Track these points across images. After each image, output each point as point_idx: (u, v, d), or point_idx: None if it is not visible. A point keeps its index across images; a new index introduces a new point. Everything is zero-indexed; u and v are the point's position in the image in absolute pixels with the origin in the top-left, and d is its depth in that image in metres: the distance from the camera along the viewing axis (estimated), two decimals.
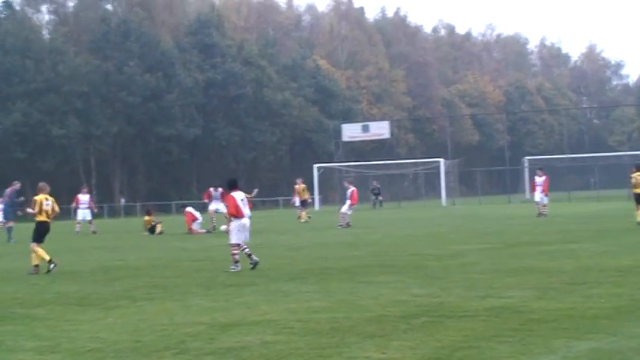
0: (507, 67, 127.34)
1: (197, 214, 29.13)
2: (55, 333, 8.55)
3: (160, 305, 10.35)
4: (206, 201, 30.80)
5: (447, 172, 63.11)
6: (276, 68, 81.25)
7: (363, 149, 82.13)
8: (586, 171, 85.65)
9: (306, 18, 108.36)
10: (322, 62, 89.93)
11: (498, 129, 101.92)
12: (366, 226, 29.32)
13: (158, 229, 29.19)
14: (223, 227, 24.66)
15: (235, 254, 14.54)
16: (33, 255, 15.31)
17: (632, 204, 23.36)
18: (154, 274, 14.47)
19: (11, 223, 28.08)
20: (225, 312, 9.54)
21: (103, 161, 69.67)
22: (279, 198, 65.98)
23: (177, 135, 69.18)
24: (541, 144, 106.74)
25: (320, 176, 62.25)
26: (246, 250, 14.66)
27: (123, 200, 65.35)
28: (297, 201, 36.49)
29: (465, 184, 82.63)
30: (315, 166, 62.77)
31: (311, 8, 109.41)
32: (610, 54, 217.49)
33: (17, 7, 70.41)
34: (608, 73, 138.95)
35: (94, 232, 31.21)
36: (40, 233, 15.61)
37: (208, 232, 28.23)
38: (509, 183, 71.84)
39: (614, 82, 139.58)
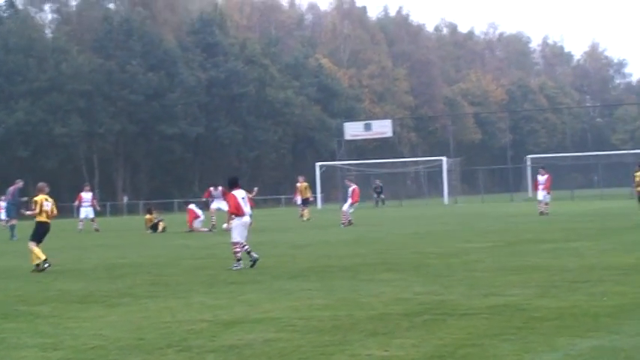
0: (510, 65, 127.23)
1: (199, 211, 29.16)
2: (58, 330, 8.56)
3: (163, 303, 10.35)
4: (204, 199, 30.80)
5: (449, 171, 63.13)
6: (279, 67, 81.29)
7: (365, 148, 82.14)
8: (589, 169, 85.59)
9: (309, 17, 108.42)
10: (324, 61, 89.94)
11: (501, 127, 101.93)
12: (369, 225, 29.32)
13: (161, 226, 29.22)
14: (225, 225, 24.69)
15: (237, 252, 14.55)
16: (32, 255, 15.30)
17: (635, 202, 23.29)
18: (157, 271, 14.49)
19: (14, 221, 28.15)
20: (227, 310, 9.55)
21: (105, 159, 69.75)
22: (281, 196, 66.00)
23: (179, 133, 69.24)
24: (544, 142, 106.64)
25: (322, 175, 62.25)
26: (246, 247, 14.67)
27: (125, 198, 65.42)
28: (299, 199, 36.51)
29: (467, 182, 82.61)
30: (318, 164, 62.77)
31: (313, 7, 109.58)
32: (613, 52, 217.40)
33: (20, 7, 70.53)
34: (611, 71, 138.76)
35: (97, 230, 31.26)
36: (40, 234, 15.58)
37: (210, 230, 28.24)
38: (511, 181, 71.82)
39: (617, 81, 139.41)
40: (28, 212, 16.37)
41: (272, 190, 70.70)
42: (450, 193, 60.70)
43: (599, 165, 75.44)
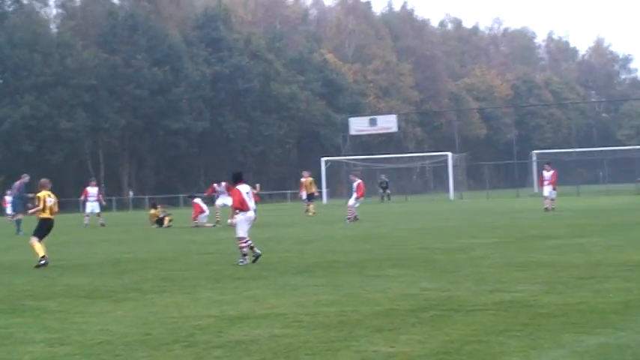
0: (515, 61, 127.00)
1: (204, 206, 29.19)
2: (65, 325, 8.58)
3: (169, 298, 10.37)
4: (206, 195, 30.79)
5: (454, 166, 63.05)
6: (284, 62, 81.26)
7: (370, 143, 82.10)
8: (594, 165, 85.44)
9: (313, 12, 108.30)
10: (329, 56, 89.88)
11: (506, 123, 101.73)
12: (374, 220, 29.31)
13: (166, 221, 29.25)
14: (229, 221, 24.67)
15: (243, 247, 14.56)
16: (34, 250, 15.29)
17: None
18: (163, 266, 14.50)
19: (20, 216, 28.22)
20: (233, 305, 9.56)
21: (111, 154, 69.86)
22: (286, 191, 66.04)
23: (185, 128, 69.30)
24: (549, 138, 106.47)
25: (327, 170, 62.26)
26: (250, 242, 14.68)
27: (131, 193, 65.52)
28: (304, 194, 36.47)
29: (473, 177, 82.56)
30: (323, 159, 62.76)
31: (318, 2, 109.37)
32: (618, 48, 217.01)
33: (25, 1, 70.55)
34: (616, 67, 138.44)
35: (103, 225, 31.32)
36: (43, 230, 15.58)
37: (214, 226, 28.25)
38: (517, 177, 71.70)
39: (623, 76, 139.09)
40: (31, 211, 16.35)
41: (277, 185, 70.76)
42: (455, 189, 60.67)
43: (604, 161, 75.33)
